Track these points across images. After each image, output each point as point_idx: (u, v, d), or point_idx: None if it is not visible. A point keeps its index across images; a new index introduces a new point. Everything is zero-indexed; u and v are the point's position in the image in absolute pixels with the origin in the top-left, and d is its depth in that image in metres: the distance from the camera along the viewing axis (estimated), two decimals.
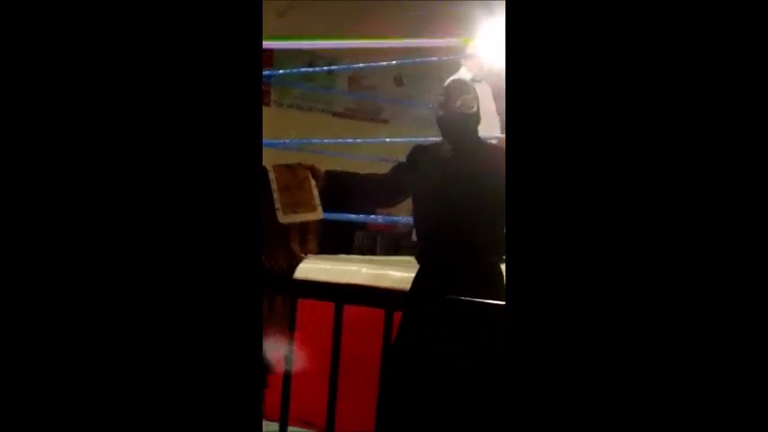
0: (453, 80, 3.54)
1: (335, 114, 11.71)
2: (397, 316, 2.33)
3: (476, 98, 2.86)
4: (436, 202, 2.80)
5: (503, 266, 2.80)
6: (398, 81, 10.50)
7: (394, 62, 6.17)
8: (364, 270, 4.15)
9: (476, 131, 2.87)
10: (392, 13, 7.02)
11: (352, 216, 6.50)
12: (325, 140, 6.62)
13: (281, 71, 7.45)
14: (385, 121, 11.67)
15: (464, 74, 5.18)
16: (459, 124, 2.82)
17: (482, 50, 5.29)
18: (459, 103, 2.81)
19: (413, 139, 5.19)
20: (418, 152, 2.93)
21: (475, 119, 2.84)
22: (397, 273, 3.93)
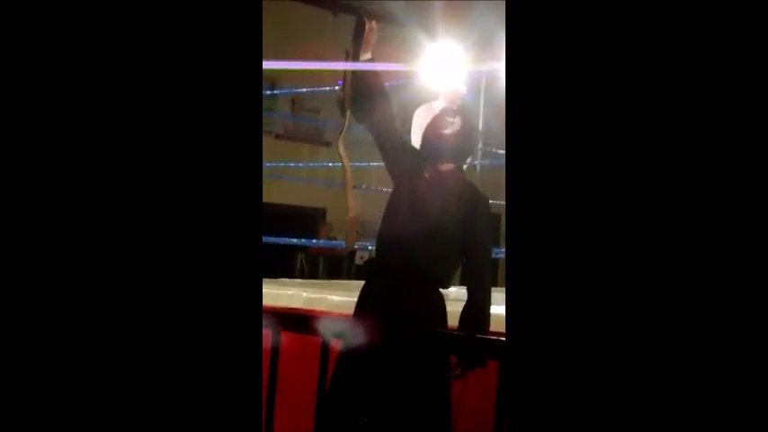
0: (443, 107, 3.41)
1: (278, 136, 11.70)
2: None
3: (463, 128, 2.76)
4: (398, 218, 2.73)
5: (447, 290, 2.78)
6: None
7: (336, 87, 6.11)
8: (305, 294, 4.11)
9: (453, 160, 2.77)
10: (335, 36, 7.04)
11: (293, 240, 6.46)
12: (267, 164, 6.57)
13: None
14: (327, 144, 11.68)
15: (440, 104, 4.83)
16: (441, 151, 2.74)
17: (446, 77, 5.13)
18: (445, 129, 2.72)
19: (355, 163, 5.17)
20: (412, 156, 2.82)
21: (457, 148, 2.75)
22: (336, 297, 3.91)
